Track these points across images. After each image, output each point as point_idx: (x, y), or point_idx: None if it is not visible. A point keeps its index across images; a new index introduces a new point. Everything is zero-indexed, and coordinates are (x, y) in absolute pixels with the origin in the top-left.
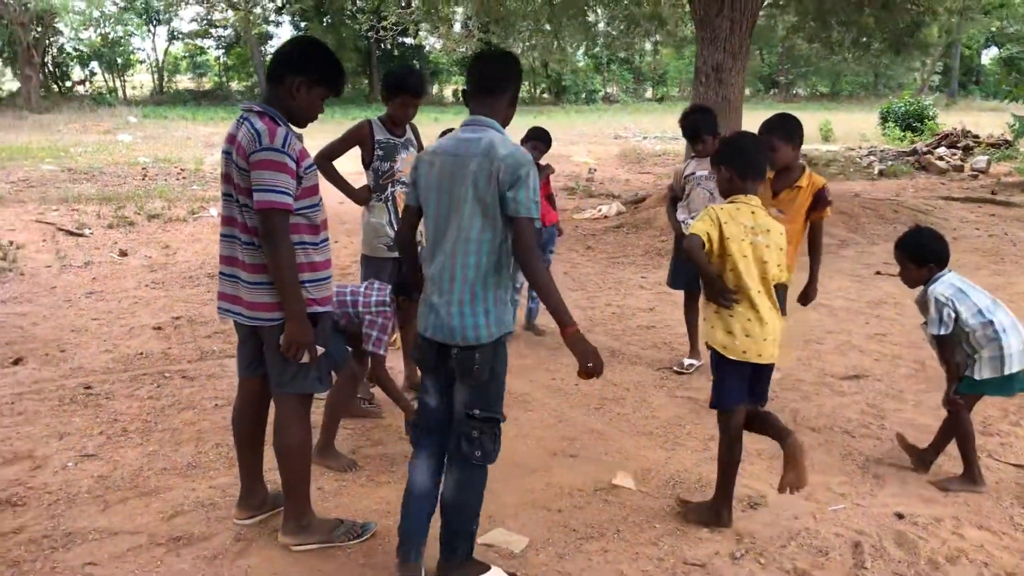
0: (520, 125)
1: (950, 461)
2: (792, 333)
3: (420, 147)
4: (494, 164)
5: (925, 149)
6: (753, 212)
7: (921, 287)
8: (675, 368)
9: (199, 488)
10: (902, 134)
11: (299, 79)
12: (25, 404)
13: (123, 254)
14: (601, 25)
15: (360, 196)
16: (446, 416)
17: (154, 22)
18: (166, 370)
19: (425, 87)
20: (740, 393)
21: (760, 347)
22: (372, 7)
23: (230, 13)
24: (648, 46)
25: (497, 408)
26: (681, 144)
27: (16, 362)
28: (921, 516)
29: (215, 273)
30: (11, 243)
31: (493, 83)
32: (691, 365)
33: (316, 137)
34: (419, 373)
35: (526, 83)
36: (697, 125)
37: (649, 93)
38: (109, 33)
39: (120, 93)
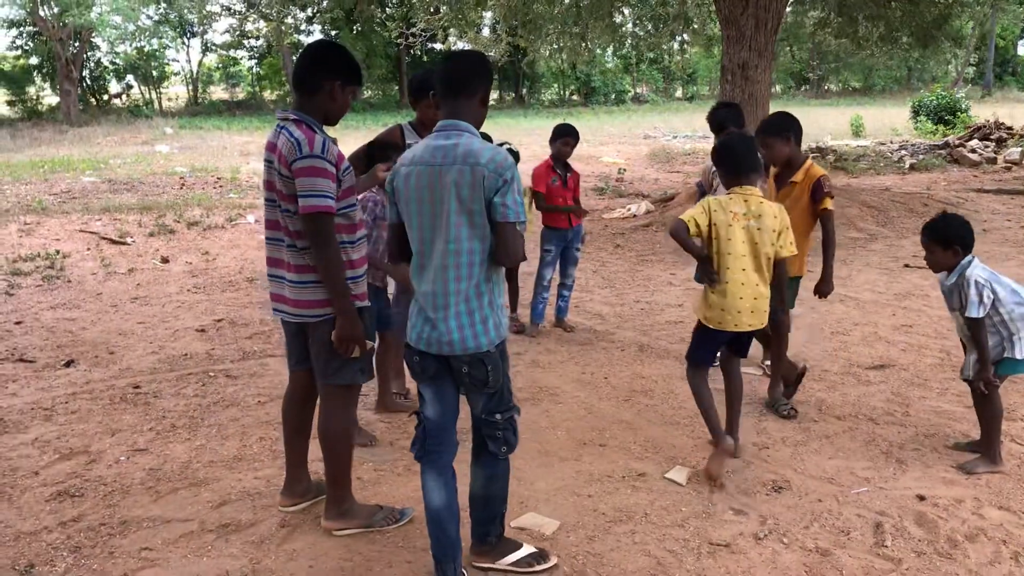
0: (548, 126)
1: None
2: (819, 325)
3: None
4: (476, 171)
5: (957, 142)
6: (746, 200)
7: (946, 273)
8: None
9: (245, 479)
10: (934, 127)
11: (336, 82)
12: (79, 403)
13: (165, 260)
14: (628, 26)
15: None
16: (445, 424)
17: (188, 35)
18: (210, 370)
19: None
20: (710, 355)
21: (737, 319)
22: (401, 14)
23: (262, 24)
24: (676, 46)
25: (511, 402)
26: (710, 142)
27: (68, 364)
28: (942, 497)
29: (254, 277)
30: (58, 252)
31: (463, 84)
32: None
33: (347, 142)
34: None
35: (556, 85)
36: (723, 120)
37: (679, 92)
38: (145, 47)
39: (156, 105)
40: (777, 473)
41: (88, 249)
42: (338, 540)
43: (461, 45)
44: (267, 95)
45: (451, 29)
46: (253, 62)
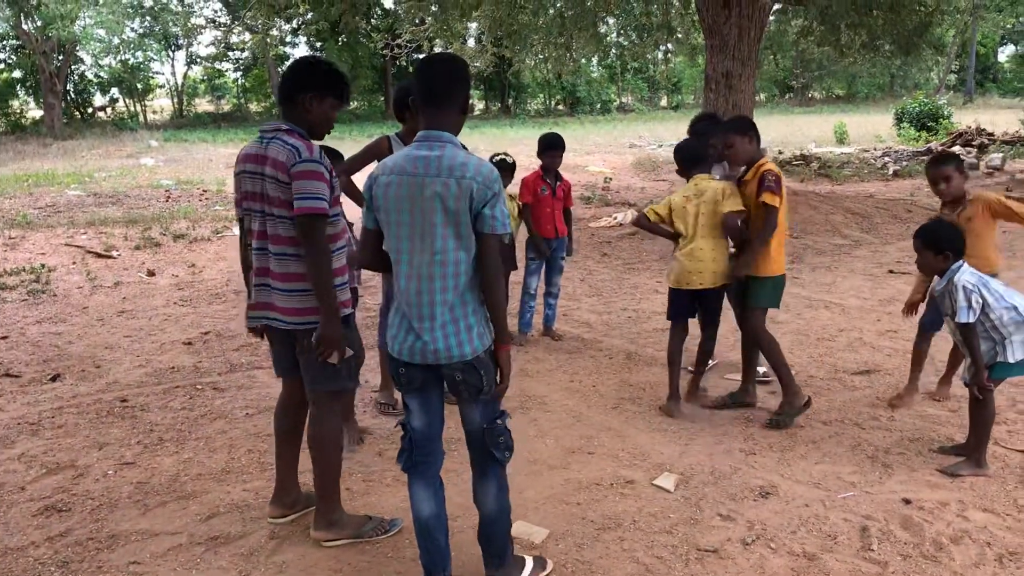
0: (534, 136)
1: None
2: (805, 331)
3: None
4: (464, 183)
5: (939, 148)
6: (696, 184)
7: (937, 279)
8: (689, 368)
9: (233, 491)
10: (917, 134)
11: (308, 95)
12: (65, 417)
13: (151, 274)
14: (613, 36)
15: None
16: (432, 434)
17: (173, 47)
18: (198, 382)
19: None
20: (682, 311)
21: (690, 279)
22: (386, 26)
23: (247, 36)
24: (660, 55)
25: (501, 410)
26: None
27: (54, 378)
28: (927, 501)
29: (241, 289)
30: (43, 266)
31: (444, 93)
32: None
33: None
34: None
35: (542, 95)
36: (705, 132)
37: (664, 101)
38: (129, 59)
39: (141, 118)
40: (764, 479)
41: (74, 263)
42: (327, 551)
43: None
44: (253, 107)
45: (436, 40)
46: (239, 74)
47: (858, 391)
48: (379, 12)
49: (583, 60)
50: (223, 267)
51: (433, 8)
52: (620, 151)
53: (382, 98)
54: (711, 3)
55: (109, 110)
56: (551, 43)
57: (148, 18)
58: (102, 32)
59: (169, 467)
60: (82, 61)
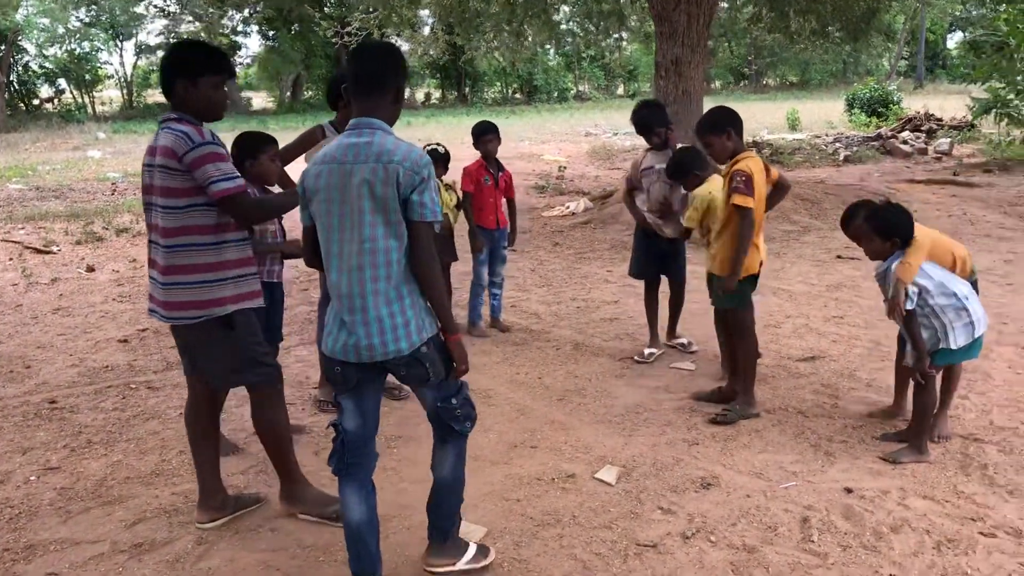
0: (498, 125)
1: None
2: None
3: None
4: (391, 168)
5: (889, 134)
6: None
7: (880, 263)
8: (636, 358)
9: (162, 495)
10: (868, 120)
11: (180, 81)
12: None
13: (91, 269)
14: (565, 24)
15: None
16: (365, 435)
17: (120, 37)
18: (131, 381)
19: None
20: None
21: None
22: (338, 14)
23: (197, 25)
24: (613, 42)
25: (459, 382)
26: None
27: None
28: (869, 489)
29: None
30: None
31: (375, 80)
32: (651, 354)
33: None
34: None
35: (499, 84)
36: (647, 120)
37: (621, 90)
38: (75, 49)
39: (89, 109)
40: (706, 470)
41: (10, 259)
42: (256, 556)
43: (400, 43)
44: None
45: (386, 28)
46: None
47: (802, 378)
48: (332, 0)
49: (537, 48)
50: None
51: None
52: (576, 140)
53: None
54: None
55: (56, 101)
56: (502, 31)
57: (94, 6)
58: (46, 21)
59: (96, 471)
60: (26, 51)
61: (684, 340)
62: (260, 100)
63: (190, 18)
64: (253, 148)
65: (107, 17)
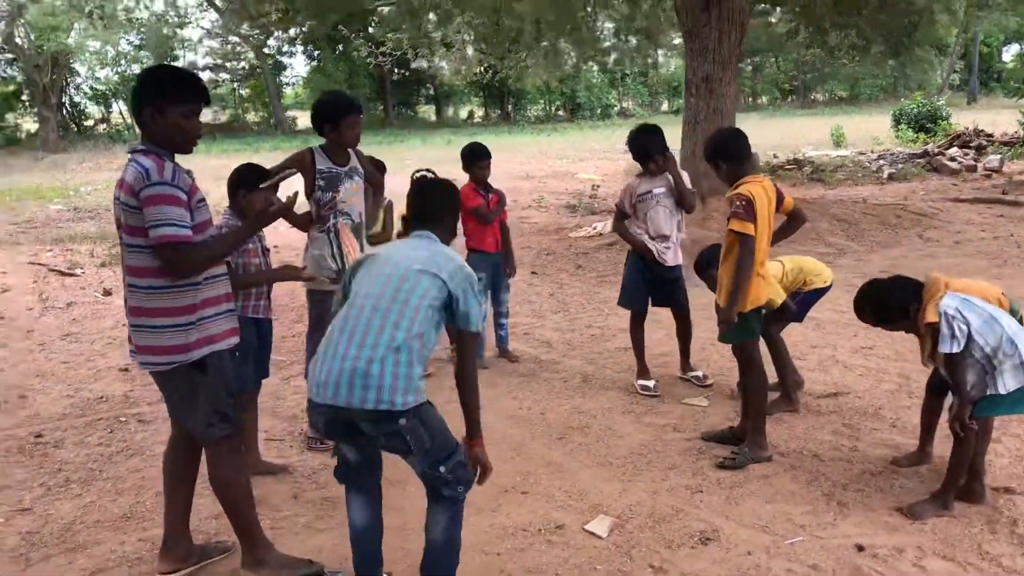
0: (531, 142)
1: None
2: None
3: (367, 173)
4: (442, 272)
5: (936, 150)
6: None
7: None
8: (640, 392)
9: (128, 541)
10: (915, 136)
11: (149, 109)
12: None
13: (107, 293)
14: (603, 41)
15: (299, 222)
16: (367, 460)
17: (169, 59)
18: (122, 414)
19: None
20: None
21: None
22: (378, 33)
23: (245, 46)
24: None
25: (451, 447)
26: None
27: None
28: (882, 547)
29: None
30: None
31: (432, 213)
32: (647, 386)
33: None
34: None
35: (541, 102)
36: (645, 147)
37: (665, 106)
38: (125, 71)
39: (137, 130)
40: (707, 521)
41: (35, 282)
42: None
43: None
44: (251, 117)
45: (420, 49)
46: (236, 84)
47: (823, 416)
48: (375, 20)
49: (571, 66)
50: None
51: (409, 16)
52: (614, 157)
53: (381, 107)
54: (690, 6)
55: (107, 123)
56: (535, 49)
57: (143, 29)
58: (96, 44)
59: (67, 513)
60: (78, 74)
61: (699, 373)
62: (305, 119)
63: (237, 39)
64: (251, 182)
65: (154, 39)
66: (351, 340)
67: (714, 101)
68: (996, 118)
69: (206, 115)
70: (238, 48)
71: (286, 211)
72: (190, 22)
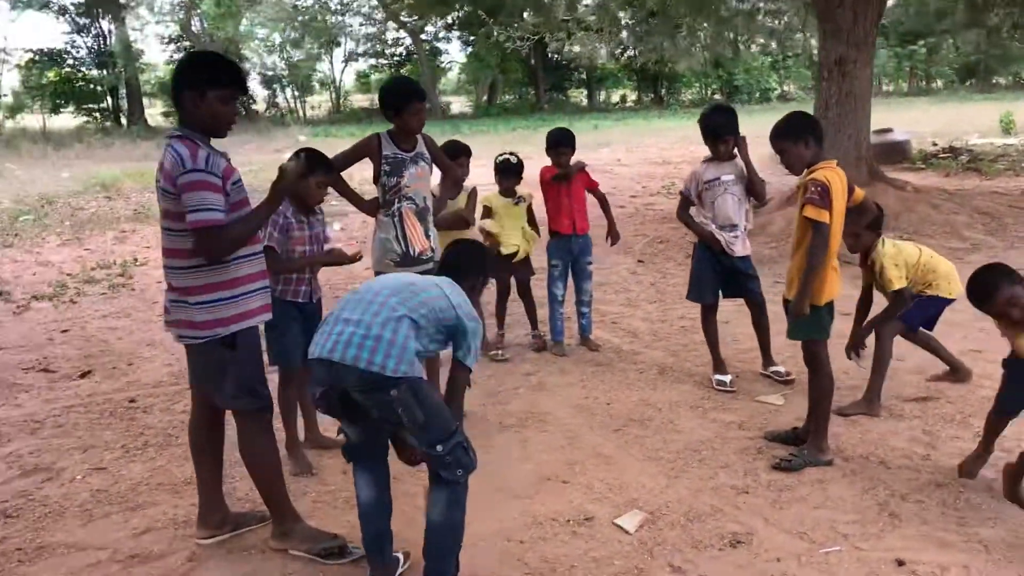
0: (679, 127)
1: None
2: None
3: (434, 159)
4: (453, 297)
5: None
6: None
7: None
8: (715, 386)
9: (182, 505)
10: None
11: (189, 93)
12: (70, 417)
13: None
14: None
15: (368, 208)
16: (371, 438)
17: (331, 44)
18: None
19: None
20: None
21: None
22: (509, 20)
23: (402, 32)
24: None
25: (451, 428)
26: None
27: (84, 375)
28: (925, 564)
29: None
30: (136, 260)
31: (458, 272)
32: (723, 381)
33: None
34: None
35: (697, 85)
36: (718, 127)
37: None
38: (291, 57)
39: (300, 114)
40: (743, 523)
41: None
42: None
43: (578, 49)
44: None
45: (552, 32)
46: (393, 69)
47: (904, 421)
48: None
49: (699, 51)
50: None
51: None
52: (763, 142)
53: (532, 91)
54: None
55: (276, 107)
56: (669, 34)
57: (306, 16)
58: (264, 31)
59: (137, 474)
60: (247, 59)
61: (780, 368)
62: (458, 105)
63: (395, 26)
64: (309, 168)
65: (318, 26)
66: (357, 308)
67: (847, 84)
68: None
69: (364, 101)
70: (397, 34)
71: (298, 183)
72: (352, 8)
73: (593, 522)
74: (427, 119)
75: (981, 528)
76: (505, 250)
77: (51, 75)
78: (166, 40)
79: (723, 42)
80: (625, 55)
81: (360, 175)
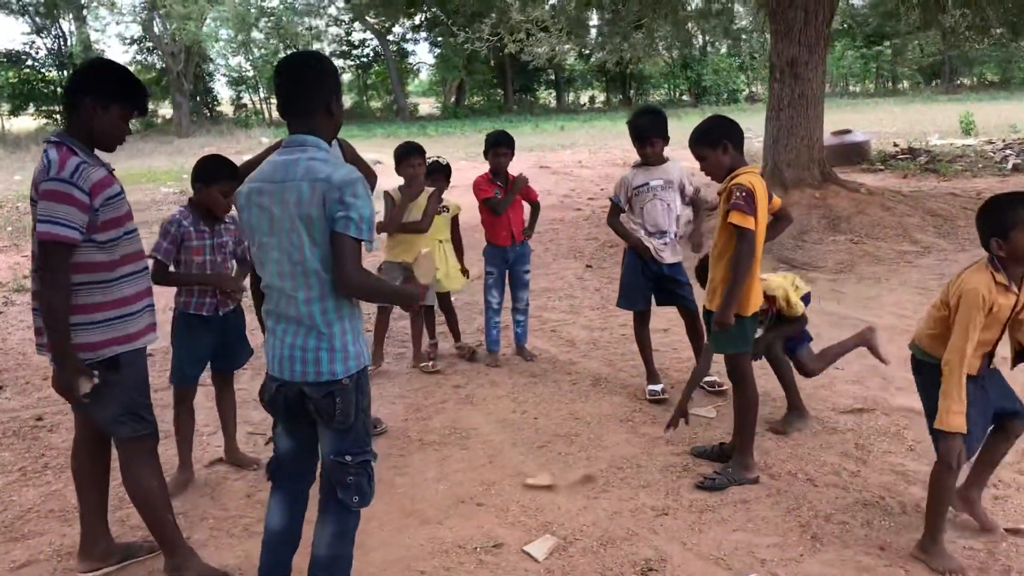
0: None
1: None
2: None
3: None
4: (316, 187)
5: None
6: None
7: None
8: (647, 397)
9: (70, 534)
10: None
11: (91, 100)
12: None
13: None
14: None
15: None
16: (301, 456)
17: (296, 47)
18: None
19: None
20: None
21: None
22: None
23: (368, 33)
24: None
25: (367, 446)
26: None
27: None
28: None
29: None
30: None
31: (303, 95)
32: (655, 390)
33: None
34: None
35: (666, 86)
36: (646, 130)
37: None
38: (256, 59)
39: (266, 115)
40: (659, 549)
41: None
42: None
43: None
44: (374, 104)
45: (514, 35)
46: (360, 71)
47: (836, 435)
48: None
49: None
50: None
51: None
52: None
53: (500, 92)
54: None
55: (241, 109)
56: (621, 34)
57: (272, 18)
58: (227, 33)
59: (29, 500)
60: (211, 61)
61: (714, 378)
62: (426, 107)
63: (362, 27)
64: (208, 177)
65: (283, 29)
66: (284, 329)
67: (799, 86)
68: None
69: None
70: (363, 35)
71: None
72: (317, 10)
73: (502, 549)
74: (392, 120)
75: (902, 551)
76: (439, 290)
77: (10, 76)
78: (128, 41)
79: (682, 42)
80: (594, 57)
81: None
